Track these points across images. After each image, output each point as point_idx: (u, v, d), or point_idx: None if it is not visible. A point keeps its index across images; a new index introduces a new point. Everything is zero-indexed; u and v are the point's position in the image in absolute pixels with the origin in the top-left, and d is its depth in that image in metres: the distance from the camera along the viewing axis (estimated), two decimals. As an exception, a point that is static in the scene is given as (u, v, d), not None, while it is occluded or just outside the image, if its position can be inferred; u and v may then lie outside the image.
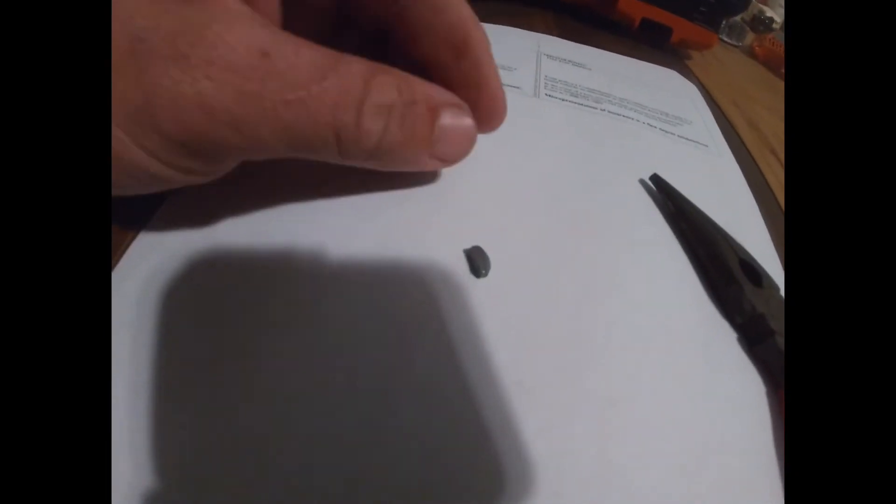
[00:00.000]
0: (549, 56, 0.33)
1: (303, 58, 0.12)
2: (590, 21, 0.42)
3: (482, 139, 0.18)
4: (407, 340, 0.15)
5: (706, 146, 0.30)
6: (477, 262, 0.17)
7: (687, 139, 0.30)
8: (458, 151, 0.17)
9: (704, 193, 0.24)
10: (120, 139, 0.11)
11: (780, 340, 0.17)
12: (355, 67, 0.13)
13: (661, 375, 0.16)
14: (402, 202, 0.19)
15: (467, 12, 0.16)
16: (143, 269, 0.15)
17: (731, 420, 0.16)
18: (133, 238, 0.16)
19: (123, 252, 0.16)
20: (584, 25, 0.42)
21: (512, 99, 0.20)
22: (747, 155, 0.33)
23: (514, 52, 0.32)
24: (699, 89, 0.38)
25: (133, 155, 0.11)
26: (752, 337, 0.18)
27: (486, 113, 0.18)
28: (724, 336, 0.19)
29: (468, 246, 0.17)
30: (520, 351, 0.15)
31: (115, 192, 0.13)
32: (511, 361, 0.15)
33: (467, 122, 0.16)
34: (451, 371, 0.14)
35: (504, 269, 0.17)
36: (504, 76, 0.26)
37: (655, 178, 0.24)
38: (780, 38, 0.57)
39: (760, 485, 0.15)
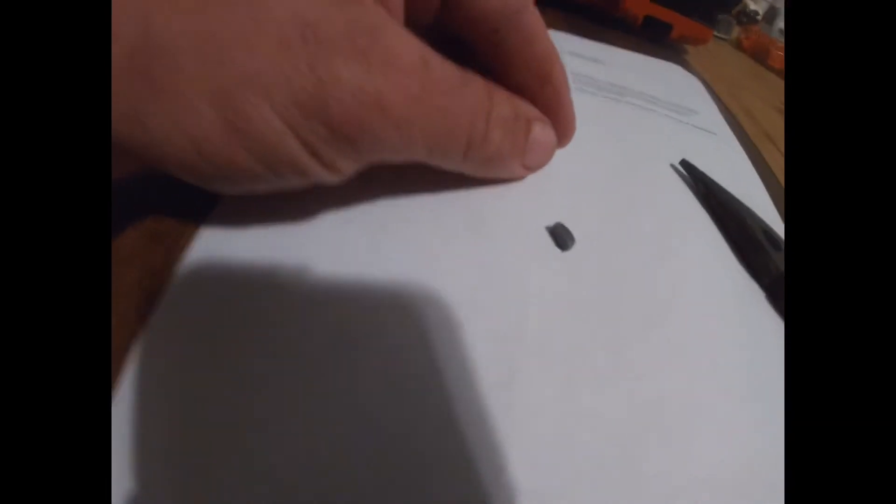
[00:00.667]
0: (570, 53, 0.36)
1: (447, 68, 0.13)
2: (596, 19, 0.45)
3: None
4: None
5: (715, 134, 0.34)
6: (563, 236, 0.19)
7: (698, 128, 0.33)
8: (542, 161, 0.19)
9: (719, 176, 0.27)
10: (275, 128, 0.11)
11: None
12: (480, 82, 0.15)
13: (704, 330, 0.19)
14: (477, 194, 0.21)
15: (552, 46, 0.18)
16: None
17: (761, 364, 0.19)
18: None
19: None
20: (592, 23, 0.45)
21: None
22: (748, 140, 0.37)
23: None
24: (700, 81, 0.42)
25: (286, 145, 0.11)
26: (778, 293, 0.22)
27: (562, 131, 0.20)
28: (754, 295, 0.22)
29: (550, 223, 0.20)
30: (606, 312, 0.18)
31: (240, 187, 0.13)
32: (599, 325, 0.18)
33: (551, 135, 0.19)
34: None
35: (579, 244, 0.20)
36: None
37: (685, 164, 0.26)
38: (764, 29, 0.62)
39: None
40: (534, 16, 0.17)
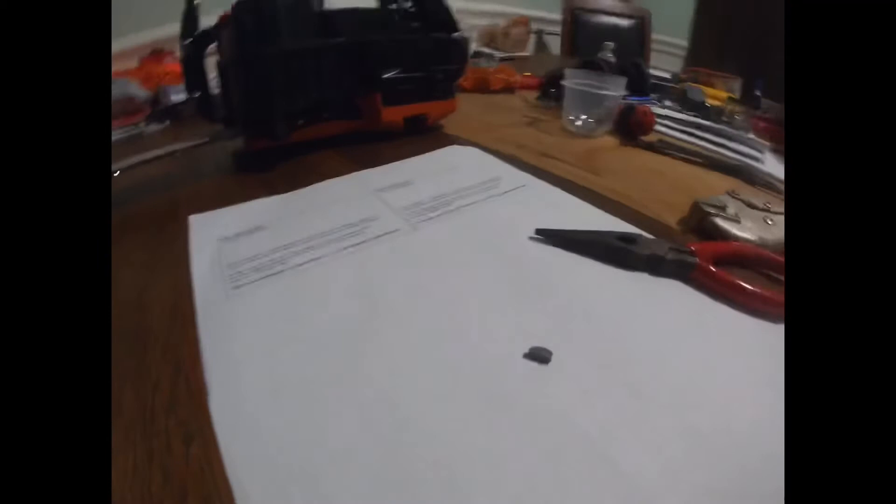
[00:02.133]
0: (381, 190, 0.39)
1: None
2: (366, 140, 0.50)
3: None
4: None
5: (524, 186, 0.41)
6: (542, 354, 0.23)
7: (509, 191, 0.40)
8: None
9: (556, 217, 0.34)
10: None
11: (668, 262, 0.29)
12: None
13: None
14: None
15: None
16: None
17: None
18: None
19: None
20: (366, 145, 0.49)
21: (401, 241, 0.32)
22: (537, 169, 0.44)
23: (355, 200, 0.38)
24: (473, 147, 0.49)
25: None
26: (652, 268, 0.30)
27: None
28: (644, 280, 0.29)
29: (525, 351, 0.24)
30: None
31: None
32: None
33: None
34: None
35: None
36: (375, 227, 0.34)
37: (541, 231, 0.33)
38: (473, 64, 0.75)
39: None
40: None
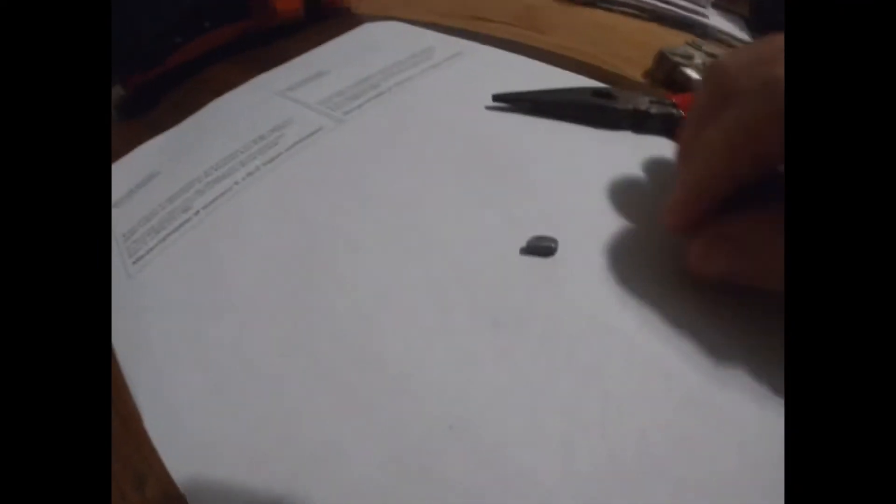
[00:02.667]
0: (289, 89, 0.31)
1: None
2: (268, 40, 0.40)
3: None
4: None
5: (461, 53, 0.33)
6: (544, 245, 0.19)
7: (446, 60, 0.32)
8: None
9: (509, 81, 0.27)
10: None
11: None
12: None
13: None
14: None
15: None
16: None
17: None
18: None
19: None
20: (266, 49, 0.40)
21: (327, 140, 0.25)
22: (471, 33, 0.37)
23: (260, 108, 0.30)
24: (393, 21, 0.40)
25: None
26: (637, 125, 0.24)
27: None
28: (622, 138, 0.24)
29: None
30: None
31: None
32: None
33: None
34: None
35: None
36: (291, 132, 0.27)
37: (498, 97, 0.26)
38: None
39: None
40: None
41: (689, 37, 0.41)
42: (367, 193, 0.22)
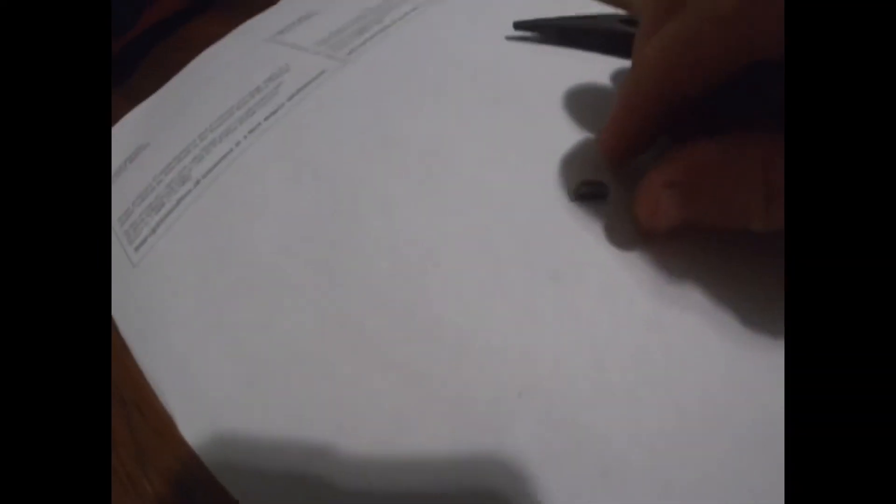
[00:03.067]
0: (280, 33, 0.27)
1: None
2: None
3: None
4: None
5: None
6: (595, 189, 0.16)
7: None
8: None
9: (526, 7, 0.23)
10: None
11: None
12: None
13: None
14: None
15: None
16: None
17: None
18: None
19: None
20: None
21: (333, 84, 0.22)
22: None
23: (251, 58, 0.26)
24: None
25: None
26: None
27: None
28: None
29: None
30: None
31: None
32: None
33: None
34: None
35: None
36: (290, 80, 0.23)
37: (520, 24, 0.23)
38: None
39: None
40: None
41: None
42: (390, 140, 0.19)
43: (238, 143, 0.21)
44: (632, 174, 0.16)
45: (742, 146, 0.12)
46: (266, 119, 0.21)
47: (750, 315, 0.14)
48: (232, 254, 0.17)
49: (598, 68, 0.20)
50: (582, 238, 0.16)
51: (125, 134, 0.25)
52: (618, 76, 0.20)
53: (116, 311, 0.18)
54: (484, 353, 0.14)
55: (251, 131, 0.21)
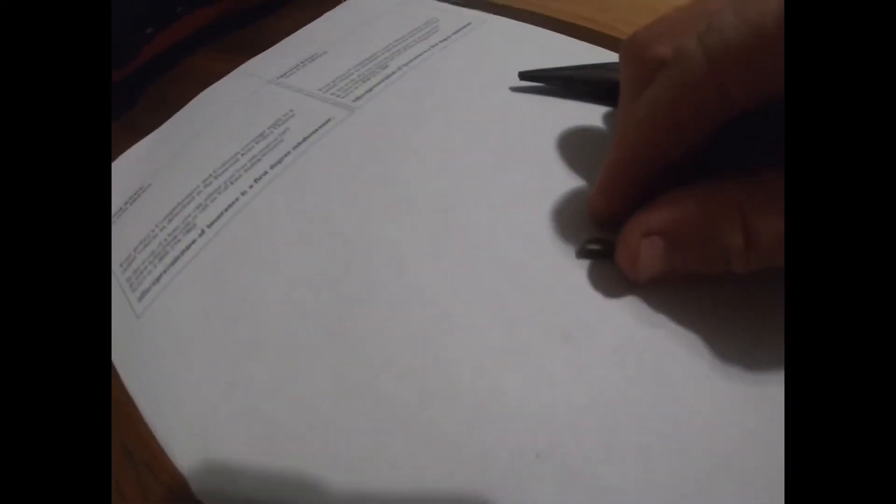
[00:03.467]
0: (284, 76, 0.28)
1: None
2: (244, 23, 0.36)
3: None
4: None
5: (471, 24, 0.29)
6: (601, 247, 0.17)
7: (456, 33, 0.29)
8: None
9: (529, 56, 0.24)
10: None
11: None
12: None
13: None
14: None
15: None
16: None
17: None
18: None
19: None
20: (247, 31, 0.36)
21: (341, 133, 0.22)
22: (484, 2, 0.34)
23: (255, 100, 0.26)
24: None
25: None
26: None
27: None
28: None
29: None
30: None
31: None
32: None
33: None
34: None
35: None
36: (296, 126, 0.23)
37: (525, 75, 0.23)
38: None
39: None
40: None
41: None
42: (401, 197, 0.19)
43: (244, 193, 0.21)
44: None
45: (718, 192, 0.13)
46: (272, 167, 0.21)
47: (755, 366, 0.14)
48: (242, 311, 0.17)
49: (605, 120, 0.21)
50: (590, 297, 0.16)
51: (126, 171, 0.25)
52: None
53: (120, 364, 0.17)
54: (501, 415, 0.14)
55: (257, 180, 0.21)
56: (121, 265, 0.20)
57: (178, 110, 0.28)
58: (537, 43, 0.27)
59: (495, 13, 0.31)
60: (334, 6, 0.35)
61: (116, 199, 0.23)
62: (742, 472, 0.13)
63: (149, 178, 0.24)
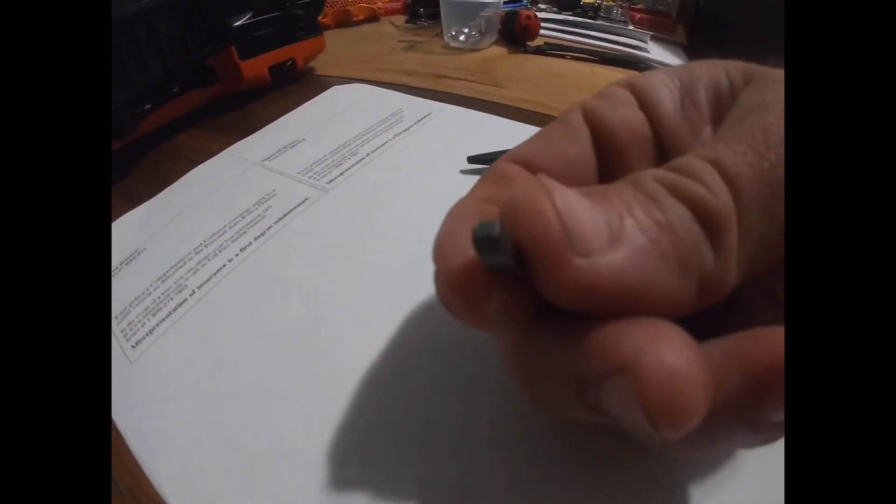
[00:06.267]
0: (268, 159, 0.32)
1: None
2: (233, 106, 0.41)
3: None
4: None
5: (431, 114, 0.35)
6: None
7: (418, 122, 0.34)
8: None
9: (480, 140, 0.29)
10: None
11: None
12: None
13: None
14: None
15: None
16: None
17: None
18: None
19: None
20: (235, 113, 0.41)
21: (315, 211, 0.26)
22: (437, 93, 0.40)
23: (241, 180, 0.30)
24: (358, 83, 0.42)
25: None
26: None
27: None
28: None
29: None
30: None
31: None
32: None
33: None
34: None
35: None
36: (277, 205, 0.28)
37: (473, 159, 0.28)
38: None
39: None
40: None
41: (632, 73, 0.44)
42: (365, 261, 0.23)
43: (231, 260, 0.24)
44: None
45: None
46: (256, 239, 0.25)
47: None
48: (226, 361, 0.20)
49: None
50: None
51: (122, 234, 0.28)
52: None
53: (113, 404, 0.20)
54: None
55: (242, 250, 0.25)
56: (116, 316, 0.23)
57: (168, 182, 0.32)
58: (488, 128, 0.33)
59: (453, 103, 0.37)
60: (313, 96, 0.40)
61: (114, 259, 0.26)
62: (743, 471, 0.15)
63: (144, 243, 0.27)
